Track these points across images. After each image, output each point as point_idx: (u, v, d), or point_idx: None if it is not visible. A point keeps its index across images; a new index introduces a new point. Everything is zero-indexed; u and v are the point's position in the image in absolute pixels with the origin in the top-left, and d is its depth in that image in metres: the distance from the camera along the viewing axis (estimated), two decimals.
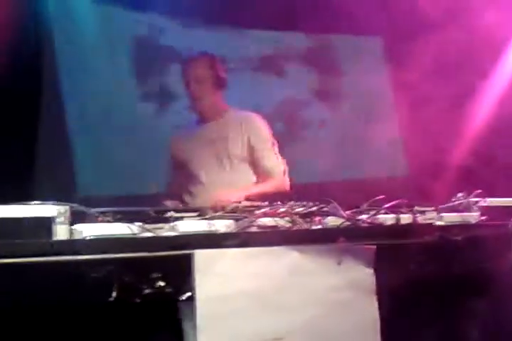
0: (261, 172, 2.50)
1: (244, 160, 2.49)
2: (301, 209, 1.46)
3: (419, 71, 3.16)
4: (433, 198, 1.85)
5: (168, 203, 2.31)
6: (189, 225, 1.27)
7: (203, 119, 2.57)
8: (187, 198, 2.52)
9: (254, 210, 1.45)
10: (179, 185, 2.57)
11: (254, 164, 2.50)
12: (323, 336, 1.18)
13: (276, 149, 2.53)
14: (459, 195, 1.64)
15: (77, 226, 1.17)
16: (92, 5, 3.43)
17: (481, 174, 3.03)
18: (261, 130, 2.51)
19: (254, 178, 2.51)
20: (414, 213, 1.49)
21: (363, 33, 3.90)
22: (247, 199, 2.25)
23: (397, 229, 1.36)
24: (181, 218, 1.34)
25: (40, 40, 3.26)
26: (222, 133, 2.49)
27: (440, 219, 1.53)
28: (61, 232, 1.15)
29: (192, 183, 2.51)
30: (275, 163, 2.50)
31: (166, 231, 1.26)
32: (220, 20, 3.66)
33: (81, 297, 1.03)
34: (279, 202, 1.49)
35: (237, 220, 1.36)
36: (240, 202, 2.18)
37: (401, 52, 3.46)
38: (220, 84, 2.52)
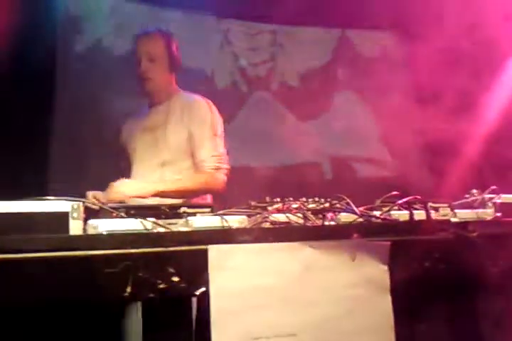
0: (194, 165, 2.23)
1: (184, 151, 2.22)
2: (313, 205, 1.46)
3: (434, 65, 3.13)
4: (446, 195, 1.83)
5: (89, 194, 1.98)
6: (202, 221, 1.27)
7: (151, 103, 2.33)
8: None
9: (267, 206, 1.45)
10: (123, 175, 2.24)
11: (192, 155, 2.23)
12: (337, 332, 1.18)
13: (221, 142, 2.26)
14: (474, 191, 1.62)
15: (91, 222, 1.17)
16: None
17: (492, 170, 3.00)
18: (204, 117, 2.23)
19: (190, 171, 2.23)
20: (427, 209, 1.48)
21: (378, 26, 3.87)
22: (161, 194, 2.03)
23: (411, 225, 1.35)
24: (194, 214, 1.34)
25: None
26: (164, 119, 2.25)
27: (454, 215, 1.52)
28: (75, 227, 1.16)
29: (129, 173, 2.27)
30: (209, 156, 2.21)
31: (179, 226, 1.26)
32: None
33: (96, 292, 1.03)
34: (291, 198, 1.49)
35: (249, 216, 1.36)
36: (144, 198, 1.97)
37: (412, 47, 3.44)
38: (174, 65, 2.28)
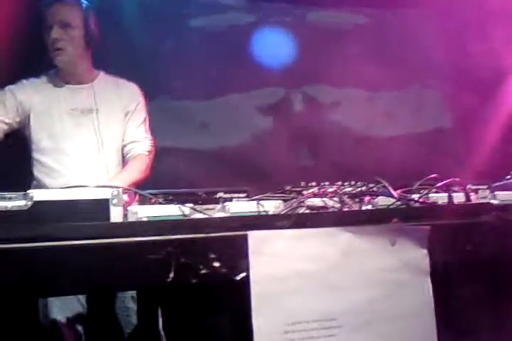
0: (124, 149, 2.10)
1: (123, 135, 2.11)
2: (350, 189, 1.45)
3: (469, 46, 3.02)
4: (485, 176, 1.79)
5: None
6: (239, 206, 1.27)
7: (68, 80, 2.09)
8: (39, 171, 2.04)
9: (302, 191, 1.44)
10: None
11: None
12: (377, 317, 1.18)
13: (147, 127, 2.17)
14: None
15: (131, 208, 1.19)
16: None
17: None
18: (138, 100, 2.14)
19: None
20: (467, 192, 1.45)
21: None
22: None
23: (452, 209, 1.33)
24: (230, 199, 1.35)
25: None
26: (97, 102, 2.06)
27: (494, 197, 1.48)
28: (115, 214, 1.18)
29: (49, 156, 2.03)
30: (142, 137, 2.12)
31: (216, 212, 1.27)
32: None
33: (139, 278, 1.05)
34: (326, 183, 1.48)
35: (285, 201, 1.36)
36: None
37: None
38: (90, 39, 2.04)
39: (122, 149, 2.12)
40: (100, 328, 1.86)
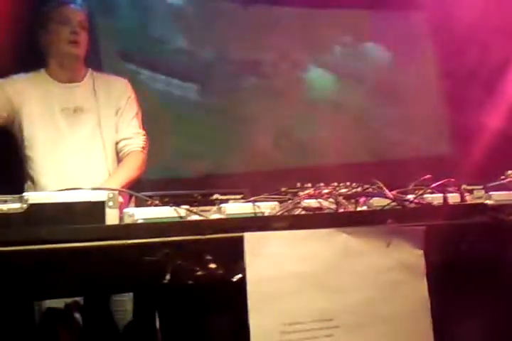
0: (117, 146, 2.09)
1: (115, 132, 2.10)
2: (345, 190, 1.45)
3: (462, 42, 3.04)
4: (480, 176, 1.79)
5: None
6: (235, 208, 1.28)
7: (58, 75, 2.09)
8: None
9: (298, 192, 1.45)
10: None
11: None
12: (373, 317, 1.18)
13: (140, 122, 2.15)
14: (509, 172, 1.59)
15: (127, 210, 1.19)
16: None
17: None
18: (129, 95, 2.14)
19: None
20: (461, 192, 1.46)
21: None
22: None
23: (447, 209, 1.33)
24: (226, 200, 1.35)
25: None
26: (92, 100, 2.08)
27: (489, 197, 1.49)
28: (111, 216, 1.18)
29: (43, 154, 2.01)
30: (135, 133, 2.11)
31: (212, 213, 1.27)
32: None
33: (136, 280, 1.05)
34: (322, 184, 1.48)
35: (281, 202, 1.36)
36: None
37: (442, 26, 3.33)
38: (88, 46, 2.14)
39: (116, 146, 2.12)
40: (97, 331, 1.85)
